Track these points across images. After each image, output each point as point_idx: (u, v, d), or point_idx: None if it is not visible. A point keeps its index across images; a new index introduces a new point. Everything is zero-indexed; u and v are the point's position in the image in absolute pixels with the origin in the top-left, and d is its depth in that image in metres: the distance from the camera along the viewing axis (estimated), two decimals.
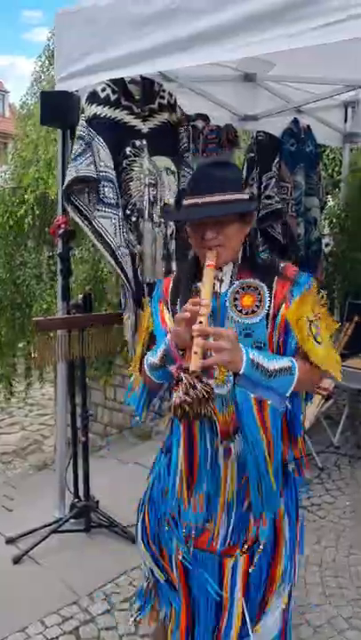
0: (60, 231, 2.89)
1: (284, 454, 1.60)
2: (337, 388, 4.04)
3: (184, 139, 2.94)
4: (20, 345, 5.24)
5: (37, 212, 4.71)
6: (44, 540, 2.84)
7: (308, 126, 4.15)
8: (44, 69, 8.28)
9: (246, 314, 1.52)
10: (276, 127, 3.95)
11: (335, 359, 1.59)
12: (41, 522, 2.98)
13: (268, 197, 3.82)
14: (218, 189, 1.49)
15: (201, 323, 1.37)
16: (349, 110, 4.58)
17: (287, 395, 1.48)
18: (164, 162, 2.79)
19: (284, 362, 1.47)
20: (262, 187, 3.82)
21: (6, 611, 2.46)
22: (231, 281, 1.57)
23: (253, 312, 1.52)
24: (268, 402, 1.46)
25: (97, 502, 3.04)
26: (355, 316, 4.32)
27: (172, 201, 2.85)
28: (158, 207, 2.80)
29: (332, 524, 3.18)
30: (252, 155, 3.98)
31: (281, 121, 3.99)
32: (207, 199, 1.49)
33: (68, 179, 2.61)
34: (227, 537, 1.63)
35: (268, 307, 1.52)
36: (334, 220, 4.97)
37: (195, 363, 1.34)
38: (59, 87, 2.76)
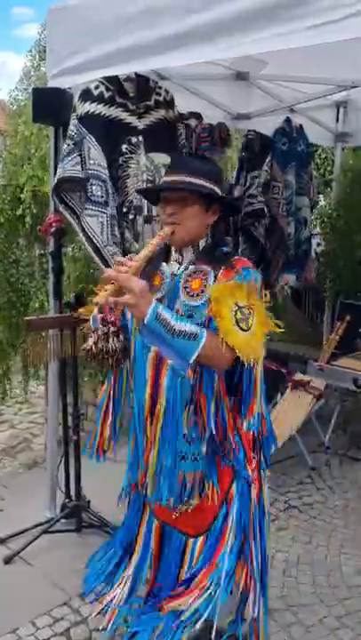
0: (52, 229, 2.87)
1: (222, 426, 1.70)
2: (328, 388, 4.05)
3: (182, 135, 2.91)
4: (15, 344, 5.20)
5: (35, 211, 4.66)
6: (35, 540, 2.83)
7: (301, 125, 4.16)
8: (35, 65, 8.23)
9: (192, 296, 1.64)
10: (268, 126, 3.95)
11: (256, 349, 1.59)
12: (32, 522, 2.97)
13: (251, 196, 3.83)
14: (184, 171, 1.65)
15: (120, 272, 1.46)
16: (341, 110, 4.59)
17: (190, 360, 1.51)
18: (161, 158, 2.77)
19: (192, 327, 1.53)
20: (247, 185, 3.83)
21: None
22: (187, 265, 1.70)
23: (198, 295, 1.64)
24: (167, 362, 1.58)
25: (88, 502, 3.03)
26: (346, 316, 4.33)
27: None
28: None
29: (323, 523, 3.19)
30: (243, 154, 3.99)
31: (273, 120, 4.00)
32: (174, 177, 1.66)
33: (55, 179, 2.62)
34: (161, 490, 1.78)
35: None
36: (326, 220, 4.97)
37: (100, 297, 1.45)
38: (51, 84, 2.74)
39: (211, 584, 1.70)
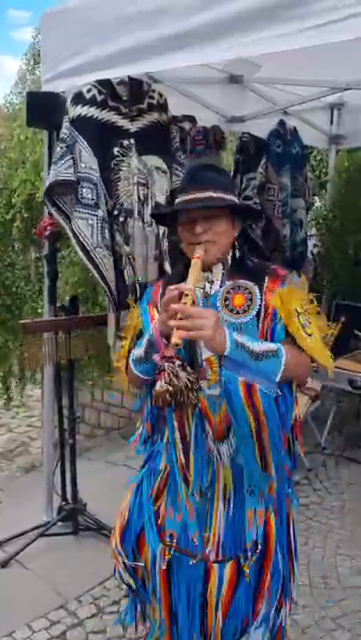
0: (47, 233, 2.87)
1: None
2: (324, 389, 4.06)
3: (176, 138, 2.91)
4: (10, 347, 5.20)
5: (26, 216, 4.66)
6: (31, 543, 2.83)
7: (295, 128, 4.17)
8: (30, 68, 8.26)
9: (237, 313, 1.52)
10: (262, 129, 3.96)
11: (326, 353, 1.56)
12: (29, 525, 2.97)
13: (247, 198, 3.84)
14: (209, 187, 1.53)
15: (185, 304, 1.36)
16: (335, 112, 4.61)
17: (276, 379, 1.45)
18: (154, 161, 2.77)
19: (270, 345, 1.46)
20: (242, 187, 3.84)
21: None
22: (222, 282, 1.58)
23: (245, 312, 1.52)
24: (258, 385, 1.43)
25: (85, 505, 3.03)
26: (342, 317, 4.34)
27: (162, 200, 2.84)
28: (149, 207, 2.78)
29: (319, 524, 3.19)
30: (237, 156, 4.00)
31: (267, 123, 4.00)
32: (198, 195, 1.53)
33: (48, 182, 2.62)
34: (224, 545, 1.60)
35: (260, 305, 1.52)
36: (321, 221, 4.99)
37: (175, 337, 1.33)
38: (45, 88, 2.74)
39: None
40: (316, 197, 6.28)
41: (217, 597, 1.61)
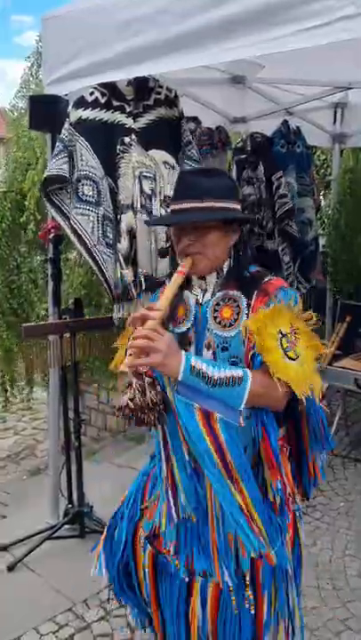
0: (51, 235, 2.88)
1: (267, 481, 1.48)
2: (330, 389, 4.04)
3: (186, 131, 2.88)
4: (16, 350, 5.22)
5: (39, 218, 4.67)
6: (38, 546, 2.83)
7: (298, 127, 4.16)
8: (33, 73, 8.28)
9: (224, 326, 1.47)
10: (265, 129, 3.95)
11: (309, 379, 1.41)
12: (35, 528, 2.97)
13: (282, 197, 3.81)
14: (196, 197, 1.46)
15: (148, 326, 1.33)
16: (339, 111, 4.59)
17: (239, 408, 1.36)
18: (161, 156, 2.74)
19: (234, 371, 1.37)
20: (274, 187, 3.82)
21: (0, 619, 2.44)
22: (214, 291, 1.53)
23: (231, 325, 1.46)
24: (216, 414, 1.36)
25: (91, 507, 3.03)
26: (347, 317, 4.32)
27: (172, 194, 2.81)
28: (158, 200, 2.75)
29: (326, 525, 3.18)
30: (243, 156, 3.99)
31: (270, 123, 3.99)
32: (185, 205, 1.47)
33: (42, 176, 2.64)
34: (202, 560, 1.53)
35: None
36: (326, 221, 4.98)
37: (125, 362, 1.31)
38: (47, 91, 2.75)
39: None
40: (320, 197, 6.27)
41: (202, 616, 1.54)
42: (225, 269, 1.54)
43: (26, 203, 4.82)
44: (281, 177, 3.82)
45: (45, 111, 2.75)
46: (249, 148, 3.92)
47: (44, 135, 3.29)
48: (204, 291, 1.54)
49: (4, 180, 5.58)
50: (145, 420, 1.35)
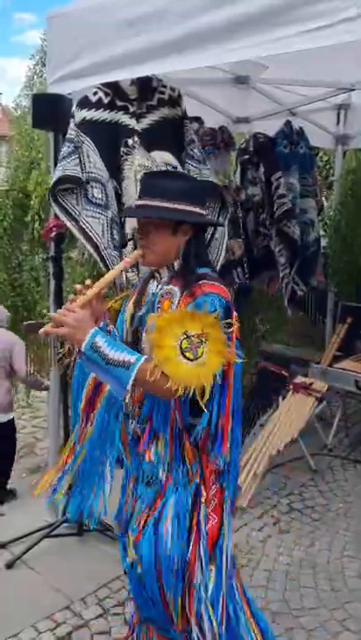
0: (53, 234, 2.88)
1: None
2: (330, 390, 4.05)
3: (190, 130, 2.87)
4: None
5: (43, 217, 4.69)
6: (36, 544, 2.83)
7: (301, 128, 4.16)
8: (37, 71, 8.30)
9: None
10: (268, 130, 3.95)
11: (200, 379, 1.50)
12: (33, 526, 2.97)
13: (281, 197, 3.82)
14: (152, 196, 1.65)
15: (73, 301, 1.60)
16: (341, 113, 4.59)
17: (126, 388, 1.53)
18: (164, 157, 2.74)
19: (128, 356, 1.55)
20: (273, 187, 3.83)
21: None
22: (162, 285, 1.71)
23: None
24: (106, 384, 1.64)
25: None
26: (347, 318, 4.33)
27: None
28: None
29: (325, 526, 3.18)
30: (247, 157, 3.99)
31: (273, 124, 4.00)
32: (140, 202, 1.70)
33: (54, 178, 2.62)
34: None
35: None
36: (328, 222, 4.97)
37: (42, 329, 1.60)
38: (51, 90, 2.75)
39: None
40: (323, 198, 6.27)
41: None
42: (175, 265, 1.70)
43: (30, 202, 4.83)
44: (280, 177, 3.83)
45: (49, 110, 2.75)
46: (252, 149, 3.93)
47: (46, 134, 3.29)
48: (159, 282, 1.73)
49: (7, 178, 5.59)
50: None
